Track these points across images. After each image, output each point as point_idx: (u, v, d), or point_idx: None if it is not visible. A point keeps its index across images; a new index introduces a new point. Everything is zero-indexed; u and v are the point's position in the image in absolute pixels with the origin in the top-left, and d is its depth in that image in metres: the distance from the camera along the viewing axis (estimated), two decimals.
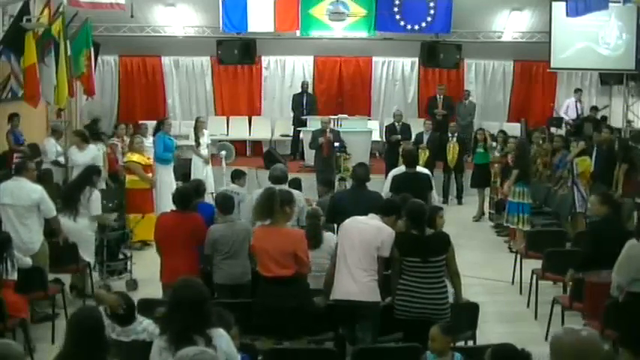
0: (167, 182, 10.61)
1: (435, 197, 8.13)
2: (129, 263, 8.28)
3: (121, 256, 8.38)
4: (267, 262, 5.35)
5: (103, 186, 10.02)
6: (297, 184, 8.15)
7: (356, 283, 5.26)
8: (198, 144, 11.65)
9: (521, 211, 9.47)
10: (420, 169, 8.13)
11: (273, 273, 5.32)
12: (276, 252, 5.32)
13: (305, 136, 13.34)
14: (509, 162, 10.27)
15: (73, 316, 3.76)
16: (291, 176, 8.22)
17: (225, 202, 6.22)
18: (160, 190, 10.42)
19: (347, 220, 5.55)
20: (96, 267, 7.97)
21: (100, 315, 3.88)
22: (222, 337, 3.77)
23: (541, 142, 11.57)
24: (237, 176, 8.46)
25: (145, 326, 4.46)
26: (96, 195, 7.67)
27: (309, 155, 12.59)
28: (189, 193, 6.31)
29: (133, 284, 7.95)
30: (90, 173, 7.93)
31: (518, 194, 9.49)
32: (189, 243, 6.01)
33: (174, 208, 6.30)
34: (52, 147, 10.71)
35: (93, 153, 9.93)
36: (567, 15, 12.37)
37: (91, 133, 10.69)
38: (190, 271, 5.51)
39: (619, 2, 11.33)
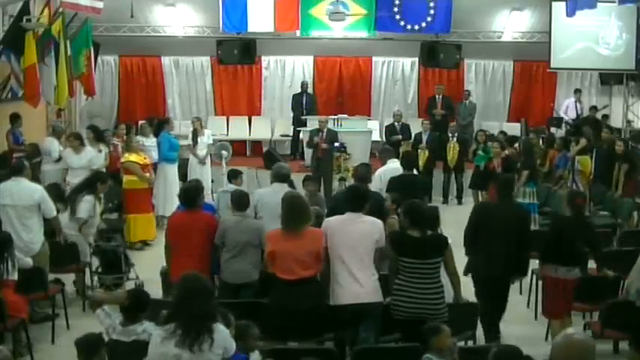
0: (174, 181, 10.65)
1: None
2: (124, 279, 7.81)
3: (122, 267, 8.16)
4: (292, 265, 5.25)
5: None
6: (291, 185, 8.15)
7: (362, 284, 5.23)
8: (195, 143, 11.65)
9: (533, 211, 9.48)
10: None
11: (298, 275, 5.25)
12: (303, 253, 5.26)
13: (305, 136, 13.34)
14: (496, 167, 10.14)
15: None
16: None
17: (240, 200, 6.22)
18: (166, 189, 10.42)
19: (334, 222, 5.46)
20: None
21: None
22: (221, 331, 3.83)
23: (541, 142, 11.58)
24: (234, 176, 8.47)
25: (145, 327, 4.49)
26: (86, 199, 7.65)
27: (309, 155, 12.59)
28: (195, 191, 6.31)
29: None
30: (95, 180, 7.96)
31: (529, 195, 9.50)
32: (201, 241, 6.01)
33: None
34: (55, 147, 10.70)
35: (90, 155, 9.88)
36: (567, 15, 12.38)
37: (97, 133, 10.71)
38: (202, 270, 5.51)
39: (614, 2, 11.33)
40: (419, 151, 12.26)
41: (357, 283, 5.23)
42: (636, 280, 5.45)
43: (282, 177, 7.03)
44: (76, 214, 7.60)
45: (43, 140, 11.12)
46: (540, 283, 6.66)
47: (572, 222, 6.20)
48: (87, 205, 7.65)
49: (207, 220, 6.19)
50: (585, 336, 3.03)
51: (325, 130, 11.96)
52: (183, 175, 11.87)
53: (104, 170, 10.25)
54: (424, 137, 12.72)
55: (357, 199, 5.51)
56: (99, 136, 10.53)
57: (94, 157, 9.95)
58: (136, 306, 4.63)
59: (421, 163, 12.00)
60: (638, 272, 5.45)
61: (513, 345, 3.57)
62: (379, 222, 5.46)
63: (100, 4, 11.43)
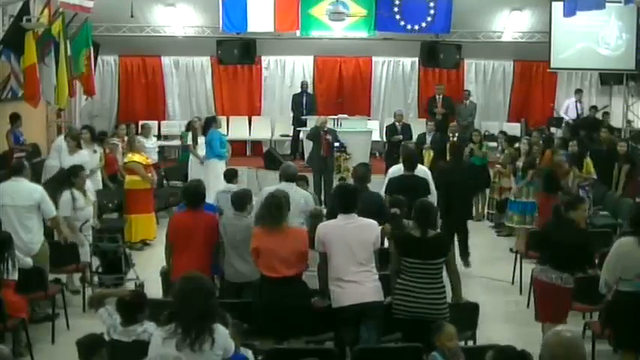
0: (221, 178, 10.67)
1: (435, 196, 8.08)
2: (124, 279, 7.74)
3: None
4: (275, 262, 5.31)
5: (100, 186, 10.00)
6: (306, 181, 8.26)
7: (364, 285, 5.23)
8: (195, 143, 11.65)
9: (533, 209, 9.50)
10: (421, 167, 8.08)
11: (281, 273, 5.30)
12: (286, 252, 5.31)
13: (305, 135, 13.33)
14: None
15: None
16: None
17: (239, 199, 6.24)
18: (217, 186, 10.39)
19: (330, 227, 5.45)
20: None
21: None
22: (221, 332, 3.85)
23: (541, 142, 11.54)
24: (232, 175, 8.50)
25: (145, 327, 4.49)
26: (65, 197, 7.62)
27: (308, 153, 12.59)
28: (200, 192, 6.31)
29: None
30: (68, 174, 7.91)
31: (532, 193, 9.53)
32: (203, 241, 6.02)
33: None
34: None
35: (83, 159, 9.68)
36: (564, 15, 12.38)
37: (93, 134, 10.68)
38: (202, 270, 5.52)
39: (620, 2, 11.32)
40: (423, 151, 12.27)
41: (358, 284, 5.22)
42: (604, 273, 5.49)
43: (288, 176, 7.08)
44: (61, 214, 7.52)
45: (56, 140, 11.07)
46: None
47: (556, 224, 6.26)
48: (65, 201, 7.60)
49: (208, 220, 6.19)
50: (574, 333, 3.00)
51: (326, 129, 11.96)
52: (183, 175, 11.88)
53: (99, 171, 10.23)
54: (428, 138, 12.70)
55: (346, 199, 5.52)
56: (94, 136, 10.47)
57: (86, 161, 9.82)
58: (133, 307, 4.62)
59: (427, 163, 12.02)
60: (606, 267, 5.48)
61: (511, 345, 3.56)
62: (374, 223, 5.45)
63: (90, 4, 11.38)
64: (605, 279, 5.48)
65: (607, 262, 5.51)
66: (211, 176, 10.41)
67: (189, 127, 11.94)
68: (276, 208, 5.44)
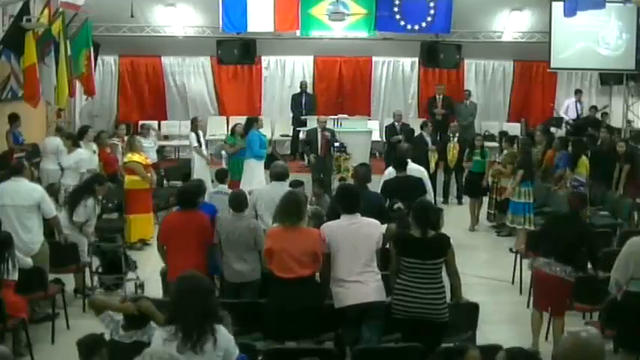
0: (261, 179, 10.68)
1: (431, 196, 8.06)
2: (124, 279, 7.83)
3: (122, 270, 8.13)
4: (290, 263, 5.27)
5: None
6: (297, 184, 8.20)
7: (367, 285, 5.24)
8: (200, 144, 11.65)
9: (528, 210, 9.48)
10: (413, 166, 8.07)
11: (296, 274, 5.26)
12: (300, 252, 5.27)
13: (303, 136, 13.32)
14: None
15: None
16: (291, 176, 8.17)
17: (236, 200, 6.24)
18: (254, 186, 10.37)
19: (333, 227, 5.44)
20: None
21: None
22: (222, 333, 3.81)
23: (544, 141, 11.56)
24: (224, 176, 8.52)
25: (146, 328, 4.46)
26: (90, 202, 7.68)
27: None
28: (193, 192, 6.30)
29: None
30: (92, 182, 7.98)
31: (525, 194, 9.50)
32: (195, 242, 6.01)
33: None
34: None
35: (78, 157, 9.82)
36: (564, 15, 12.38)
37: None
38: (198, 270, 5.52)
39: (620, 2, 11.33)
40: (429, 153, 12.30)
41: (361, 284, 5.23)
42: (615, 273, 5.51)
43: (277, 175, 7.14)
44: (73, 218, 7.60)
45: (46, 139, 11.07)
46: None
47: (564, 219, 6.30)
48: (86, 209, 7.65)
49: (201, 220, 6.16)
50: (590, 333, 2.94)
51: (323, 129, 11.95)
52: (186, 175, 11.87)
53: (98, 170, 10.25)
54: (428, 140, 12.66)
55: (349, 199, 5.52)
56: (75, 142, 10.43)
57: (83, 159, 9.85)
58: (142, 317, 4.58)
59: (432, 165, 12.11)
60: (617, 266, 5.50)
61: (521, 347, 3.54)
62: (377, 222, 5.47)
63: (81, 1, 11.36)
64: (615, 279, 5.47)
65: (618, 262, 5.51)
66: (248, 177, 10.47)
67: (234, 130, 11.80)
68: (294, 205, 5.39)
